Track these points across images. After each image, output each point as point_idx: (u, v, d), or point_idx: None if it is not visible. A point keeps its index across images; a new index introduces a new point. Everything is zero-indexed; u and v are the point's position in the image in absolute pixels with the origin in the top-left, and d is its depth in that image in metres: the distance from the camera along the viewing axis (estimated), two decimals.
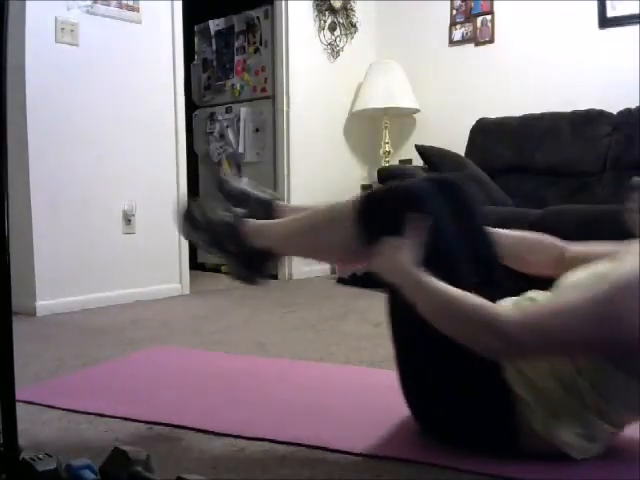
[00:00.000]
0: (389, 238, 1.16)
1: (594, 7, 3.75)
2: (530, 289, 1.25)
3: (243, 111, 4.30)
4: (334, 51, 4.43)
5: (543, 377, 1.11)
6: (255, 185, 1.59)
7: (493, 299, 1.25)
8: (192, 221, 1.49)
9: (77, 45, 2.98)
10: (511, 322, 1.02)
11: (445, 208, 1.23)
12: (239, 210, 1.49)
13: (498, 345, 1.02)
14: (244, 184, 1.55)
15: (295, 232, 1.41)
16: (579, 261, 1.22)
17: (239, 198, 1.52)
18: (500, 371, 1.14)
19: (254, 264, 1.48)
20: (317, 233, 1.36)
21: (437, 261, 1.15)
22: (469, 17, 4.28)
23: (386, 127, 4.42)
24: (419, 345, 1.23)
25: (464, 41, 4.31)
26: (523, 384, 1.12)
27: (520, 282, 1.34)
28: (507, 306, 1.17)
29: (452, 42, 4.37)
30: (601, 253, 1.23)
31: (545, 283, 1.23)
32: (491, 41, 4.20)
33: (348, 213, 1.26)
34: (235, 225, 1.44)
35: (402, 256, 1.14)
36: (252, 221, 1.46)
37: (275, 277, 4.19)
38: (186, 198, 1.57)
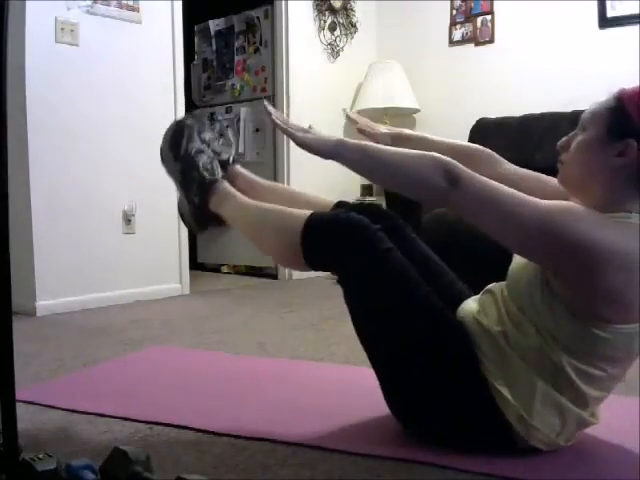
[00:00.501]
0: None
1: (594, 7, 3.75)
2: (487, 284, 1.31)
3: (243, 111, 4.30)
4: (334, 51, 4.43)
5: (509, 358, 1.14)
6: (218, 145, 1.62)
7: (456, 303, 1.28)
8: (176, 148, 1.56)
9: (77, 45, 2.98)
10: (465, 170, 1.10)
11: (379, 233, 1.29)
12: (218, 170, 1.58)
13: (445, 186, 1.08)
14: (193, 147, 1.59)
15: (250, 220, 1.48)
16: (510, 181, 1.26)
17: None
18: (477, 365, 1.15)
19: (205, 221, 1.59)
20: (268, 232, 1.42)
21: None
22: (469, 17, 4.28)
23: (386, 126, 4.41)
24: (388, 347, 1.26)
25: (464, 41, 4.31)
26: (496, 373, 1.14)
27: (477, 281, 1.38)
28: None
29: (452, 42, 4.37)
30: (535, 185, 1.33)
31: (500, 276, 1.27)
32: (491, 41, 4.20)
33: (298, 229, 1.32)
34: (207, 184, 1.53)
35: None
36: (222, 186, 1.54)
37: (275, 277, 4.19)
38: (184, 115, 1.64)
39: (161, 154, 1.63)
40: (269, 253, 1.46)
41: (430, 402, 1.21)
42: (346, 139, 1.25)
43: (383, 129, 1.60)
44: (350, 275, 1.29)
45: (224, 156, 1.61)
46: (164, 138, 1.61)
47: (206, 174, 1.54)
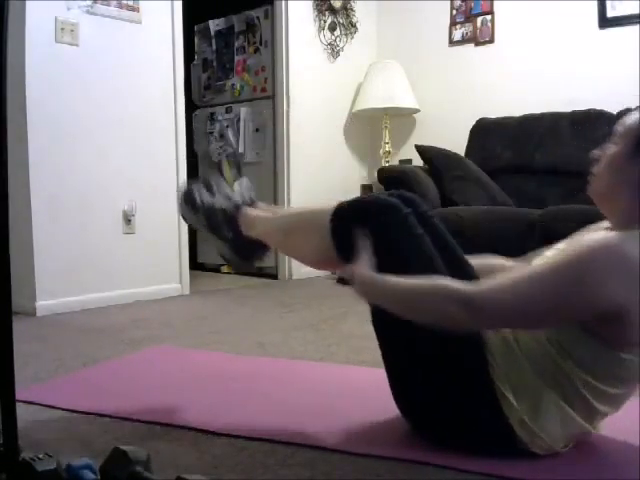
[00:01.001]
0: (348, 264, 1.22)
1: (594, 7, 3.75)
2: None
3: (243, 111, 4.30)
4: (334, 51, 4.43)
5: (519, 364, 1.13)
6: (225, 192, 1.62)
7: None
8: (192, 204, 1.57)
9: (77, 45, 2.98)
10: (477, 292, 1.06)
11: (408, 220, 1.26)
12: (237, 199, 1.58)
13: (463, 314, 1.05)
14: (207, 196, 1.59)
15: (279, 231, 1.48)
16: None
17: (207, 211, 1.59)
18: (486, 368, 1.15)
19: (246, 252, 1.58)
20: (298, 236, 1.41)
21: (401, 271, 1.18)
22: (469, 17, 4.28)
23: (386, 127, 4.42)
24: (404, 347, 1.25)
25: (464, 41, 4.31)
26: (503, 378, 1.13)
27: None
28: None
29: (452, 42, 4.37)
30: None
31: None
32: (491, 41, 4.20)
33: (325, 223, 1.30)
34: (232, 214, 1.54)
35: (364, 276, 1.18)
36: (247, 211, 1.55)
37: (275, 277, 4.19)
38: (186, 181, 1.66)
39: (184, 218, 1.66)
40: (303, 260, 1.46)
41: (437, 401, 1.21)
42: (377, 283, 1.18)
43: None
44: (381, 256, 1.23)
45: (246, 197, 1.63)
46: (179, 205, 1.65)
47: (227, 206, 1.56)
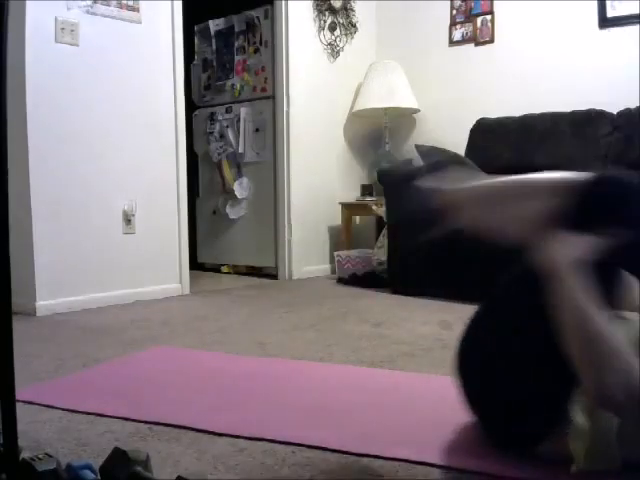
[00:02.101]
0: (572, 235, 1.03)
1: (594, 7, 3.75)
2: None
3: (243, 111, 4.30)
4: (334, 51, 4.43)
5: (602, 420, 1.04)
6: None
7: None
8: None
9: (77, 45, 2.98)
10: None
11: None
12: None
13: (621, 401, 0.94)
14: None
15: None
16: None
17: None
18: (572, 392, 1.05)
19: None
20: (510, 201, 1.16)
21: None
22: (469, 17, 4.28)
23: (386, 127, 4.42)
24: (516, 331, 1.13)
25: (464, 41, 4.31)
26: (582, 419, 1.04)
27: None
28: None
29: (452, 42, 4.37)
30: None
31: None
32: (491, 41, 4.20)
33: (563, 189, 1.09)
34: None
35: (571, 250, 1.02)
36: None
37: (275, 277, 4.19)
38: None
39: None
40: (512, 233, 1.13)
41: (518, 394, 1.12)
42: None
43: None
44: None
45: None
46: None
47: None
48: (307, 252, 4.23)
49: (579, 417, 1.04)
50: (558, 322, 1.01)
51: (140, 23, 3.24)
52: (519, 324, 1.12)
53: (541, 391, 1.10)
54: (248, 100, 4.34)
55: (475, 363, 1.22)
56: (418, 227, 1.28)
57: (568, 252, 1.02)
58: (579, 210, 1.06)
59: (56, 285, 2.93)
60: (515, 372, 1.12)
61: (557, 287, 1.02)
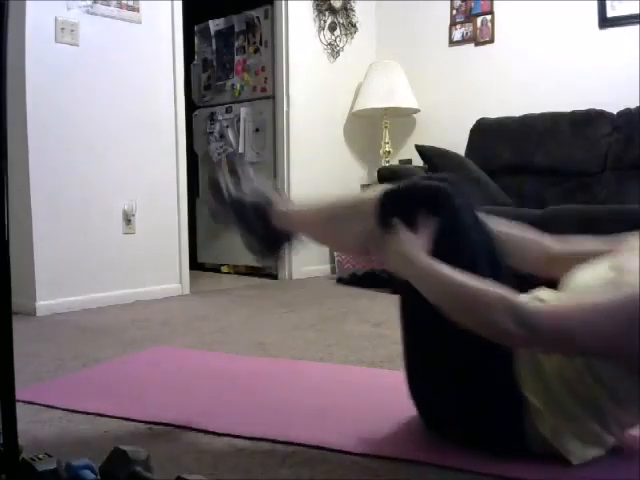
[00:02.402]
0: (400, 230, 1.18)
1: (594, 7, 3.75)
2: (536, 287, 1.25)
3: (243, 111, 4.30)
4: (334, 51, 4.43)
5: (552, 379, 1.11)
6: (253, 184, 1.57)
7: None
8: (219, 196, 1.52)
9: (77, 45, 2.98)
10: (539, 312, 1.02)
11: (464, 209, 1.21)
12: (266, 192, 1.52)
13: (518, 331, 1.00)
14: (234, 189, 1.54)
15: (317, 219, 1.44)
16: (568, 260, 1.23)
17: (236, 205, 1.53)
18: (513, 372, 1.13)
19: (274, 243, 1.53)
20: (338, 222, 1.37)
21: (459, 260, 1.13)
22: (469, 17, 4.28)
23: (386, 127, 4.42)
24: (432, 342, 1.22)
25: (464, 41, 4.31)
26: (533, 388, 1.12)
27: (527, 283, 1.32)
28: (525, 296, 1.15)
29: (452, 42, 4.37)
30: (590, 252, 1.23)
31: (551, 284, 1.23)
32: (491, 41, 4.20)
33: (370, 205, 1.27)
34: (264, 207, 1.49)
35: (410, 246, 1.16)
36: (277, 205, 1.50)
37: (275, 277, 4.19)
38: (213, 172, 1.59)
39: (212, 215, 1.59)
40: (345, 248, 1.39)
41: (461, 405, 1.19)
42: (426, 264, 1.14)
43: None
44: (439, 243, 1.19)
45: (266, 192, 1.55)
46: (208, 201, 1.59)
47: (259, 200, 1.50)
48: (307, 252, 4.20)
49: (532, 399, 1.11)
50: (430, 296, 1.11)
51: (140, 23, 3.24)
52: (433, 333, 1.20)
53: (485, 387, 1.16)
54: (248, 100, 4.34)
55: (422, 380, 1.28)
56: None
57: (400, 244, 1.18)
58: (383, 219, 1.24)
59: (56, 285, 2.92)
60: (455, 378, 1.19)
61: (408, 270, 1.16)
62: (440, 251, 1.15)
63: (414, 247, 1.16)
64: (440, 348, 1.20)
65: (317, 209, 1.46)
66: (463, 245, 1.19)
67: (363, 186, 4.42)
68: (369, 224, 1.26)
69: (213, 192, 1.55)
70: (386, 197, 1.26)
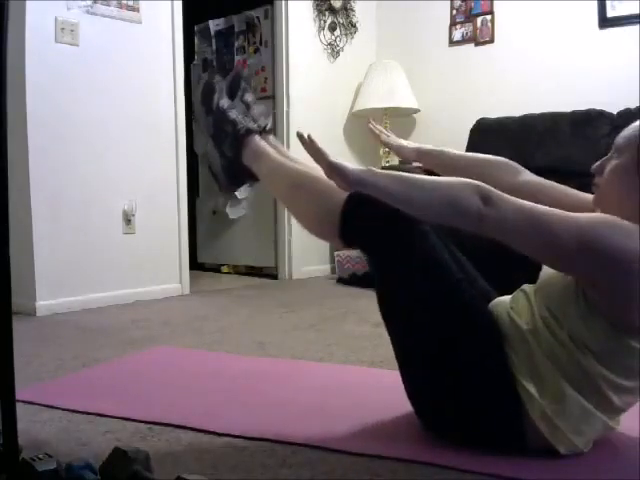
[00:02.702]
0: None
1: (594, 7, 3.75)
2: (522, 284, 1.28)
3: None
4: (334, 51, 4.43)
5: (543, 362, 1.13)
6: (246, 108, 1.53)
7: (488, 299, 1.27)
8: (208, 100, 1.50)
9: (77, 45, 2.98)
10: (496, 191, 1.08)
11: None
12: (253, 124, 1.49)
13: (477, 206, 1.06)
14: (226, 100, 1.50)
15: (285, 181, 1.42)
16: (533, 191, 1.29)
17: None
18: (505, 360, 1.15)
19: (236, 177, 1.51)
20: (302, 196, 1.36)
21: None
22: (469, 17, 4.28)
23: (386, 127, 4.42)
24: (417, 338, 1.24)
25: (464, 41, 4.31)
26: (527, 374, 1.14)
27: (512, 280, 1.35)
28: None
29: (452, 42, 4.37)
30: (554, 194, 1.31)
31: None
32: (491, 41, 4.20)
33: (339, 203, 1.28)
34: (241, 132, 1.46)
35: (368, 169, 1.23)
36: (256, 141, 1.47)
37: (275, 277, 4.19)
38: (211, 74, 1.58)
39: (195, 119, 1.60)
40: (301, 219, 1.37)
41: (454, 396, 1.20)
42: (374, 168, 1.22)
43: (406, 143, 1.56)
44: (392, 261, 1.26)
45: (261, 122, 1.52)
46: (197, 95, 1.57)
47: (240, 127, 1.47)
48: (307, 252, 4.22)
49: (525, 383, 1.13)
50: (400, 198, 1.15)
51: (140, 23, 3.24)
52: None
53: (479, 378, 1.17)
54: None
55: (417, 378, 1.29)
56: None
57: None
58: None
59: (56, 285, 2.93)
60: (444, 370, 1.20)
61: (373, 177, 1.23)
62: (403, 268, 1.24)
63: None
64: (426, 337, 1.22)
65: (287, 171, 1.42)
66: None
67: None
68: (333, 210, 1.27)
69: (204, 95, 1.52)
70: (354, 199, 1.29)
